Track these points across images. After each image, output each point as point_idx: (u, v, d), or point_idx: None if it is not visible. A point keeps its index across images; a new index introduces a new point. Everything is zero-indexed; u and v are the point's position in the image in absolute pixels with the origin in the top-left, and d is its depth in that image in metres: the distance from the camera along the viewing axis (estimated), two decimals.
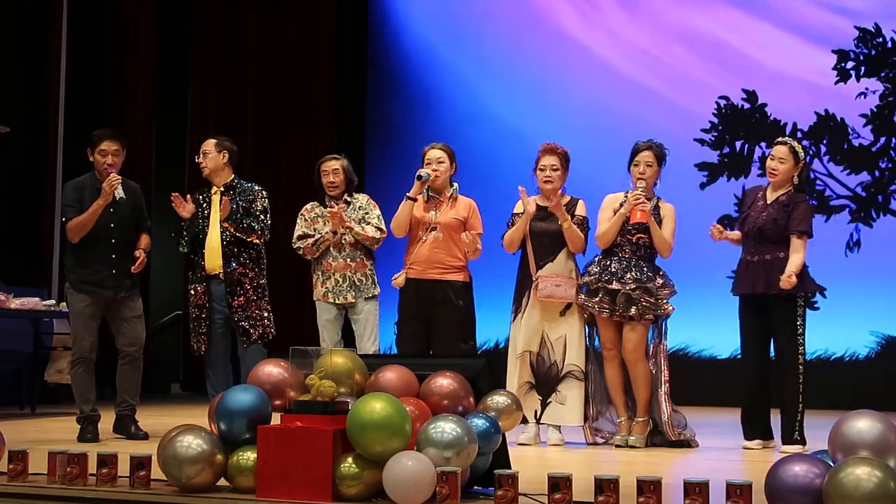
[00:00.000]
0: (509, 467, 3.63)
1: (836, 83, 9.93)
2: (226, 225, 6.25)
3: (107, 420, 6.07)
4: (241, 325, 6.26)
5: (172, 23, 11.25)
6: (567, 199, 6.02)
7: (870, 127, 9.85)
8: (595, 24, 10.80)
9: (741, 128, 10.24)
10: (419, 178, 6.00)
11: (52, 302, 8.22)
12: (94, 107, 10.35)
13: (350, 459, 3.41)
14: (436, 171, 6.04)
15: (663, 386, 5.85)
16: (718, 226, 5.96)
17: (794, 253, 5.72)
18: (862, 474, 2.93)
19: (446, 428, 3.39)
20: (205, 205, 6.39)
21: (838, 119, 9.94)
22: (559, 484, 3.24)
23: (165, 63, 11.10)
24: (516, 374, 5.98)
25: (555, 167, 5.98)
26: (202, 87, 11.49)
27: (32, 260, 9.68)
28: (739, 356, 6.11)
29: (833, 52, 9.96)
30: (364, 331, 6.48)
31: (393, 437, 3.35)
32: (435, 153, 6.10)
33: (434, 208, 6.07)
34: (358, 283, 6.47)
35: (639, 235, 5.89)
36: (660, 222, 5.93)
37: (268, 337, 6.35)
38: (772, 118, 10.15)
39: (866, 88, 9.87)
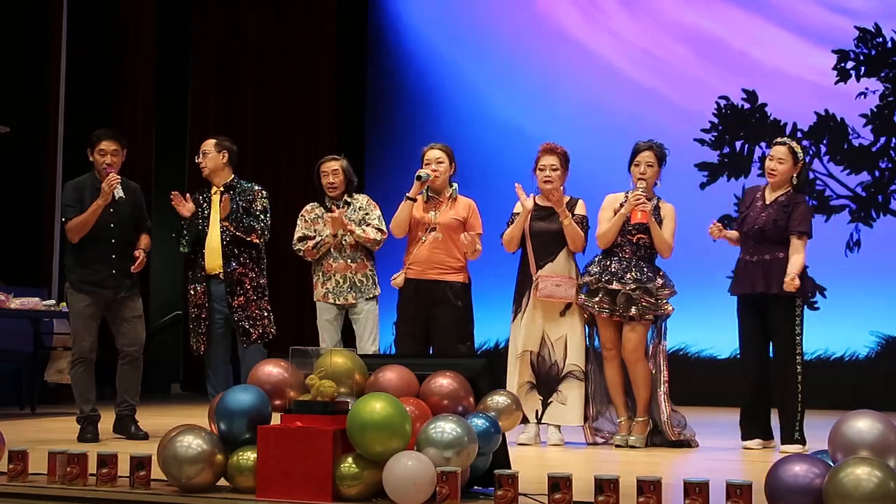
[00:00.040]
0: (509, 467, 3.63)
1: (836, 83, 9.94)
2: (226, 224, 6.25)
3: (107, 420, 6.07)
4: (241, 324, 6.26)
5: (172, 23, 11.26)
6: (567, 198, 6.02)
7: (870, 127, 9.85)
8: (596, 23, 10.80)
9: (741, 128, 10.24)
10: (418, 178, 6.00)
11: (52, 302, 8.22)
12: (94, 107, 10.35)
13: (350, 459, 3.41)
14: (435, 171, 6.04)
15: (662, 386, 5.85)
16: (718, 224, 5.96)
17: (795, 254, 5.72)
18: (862, 474, 2.93)
19: (446, 428, 3.39)
20: (205, 205, 6.39)
21: (838, 119, 9.94)
22: (559, 484, 3.24)
23: (165, 63, 11.10)
24: (516, 374, 5.98)
25: (554, 167, 5.97)
26: (202, 87, 11.48)
27: (32, 260, 9.68)
28: (739, 356, 6.11)
29: (833, 52, 9.96)
30: (364, 331, 6.48)
31: (393, 437, 3.35)
32: (434, 153, 6.10)
33: (433, 209, 6.07)
34: (358, 284, 6.47)
35: (639, 236, 5.89)
36: (660, 223, 5.93)
37: (268, 337, 6.35)
38: (772, 118, 10.15)
39: (866, 88, 9.87)
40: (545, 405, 5.97)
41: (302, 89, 11.33)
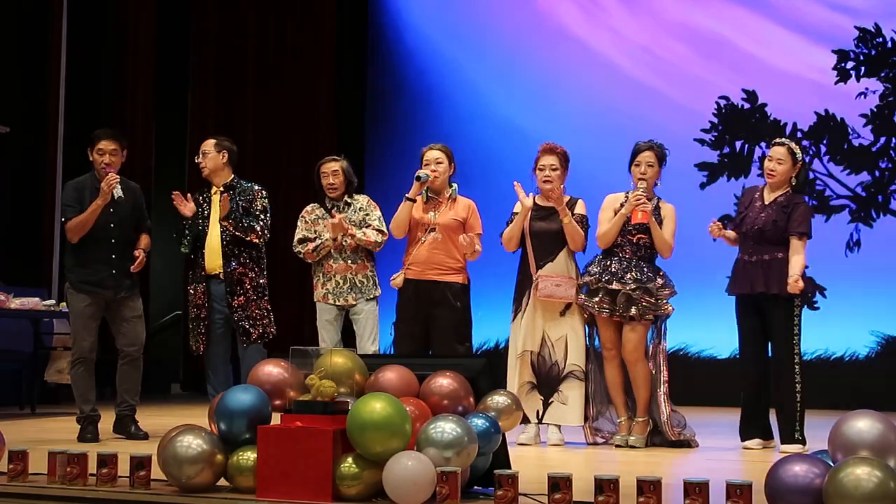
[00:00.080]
0: (509, 467, 3.63)
1: (837, 83, 9.94)
2: (225, 224, 6.25)
3: (107, 420, 6.07)
4: (241, 324, 6.26)
5: (172, 23, 11.25)
6: (567, 198, 6.02)
7: (870, 127, 9.85)
8: (596, 21, 10.80)
9: (741, 128, 10.24)
10: (418, 178, 6.00)
11: (52, 302, 8.22)
12: (94, 107, 10.34)
13: (350, 459, 3.41)
14: (434, 171, 6.03)
15: (662, 386, 5.85)
16: (718, 223, 5.96)
17: (796, 255, 5.72)
18: (862, 474, 2.93)
19: (446, 428, 3.39)
20: (205, 205, 6.39)
21: (838, 119, 9.94)
22: (559, 484, 3.24)
23: (165, 63, 11.09)
24: (517, 374, 5.98)
25: (554, 167, 5.97)
26: (202, 87, 11.48)
27: (32, 260, 9.68)
28: (738, 356, 6.11)
29: (833, 52, 9.96)
30: (364, 331, 6.47)
31: (393, 437, 3.35)
32: (433, 154, 6.09)
33: (433, 209, 6.07)
34: (359, 285, 6.46)
35: (639, 236, 5.89)
36: (660, 223, 5.93)
37: (268, 337, 6.35)
38: (772, 118, 10.15)
39: (866, 88, 9.87)
40: (546, 405, 5.97)
41: (302, 89, 11.33)
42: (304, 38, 11.45)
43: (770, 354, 5.86)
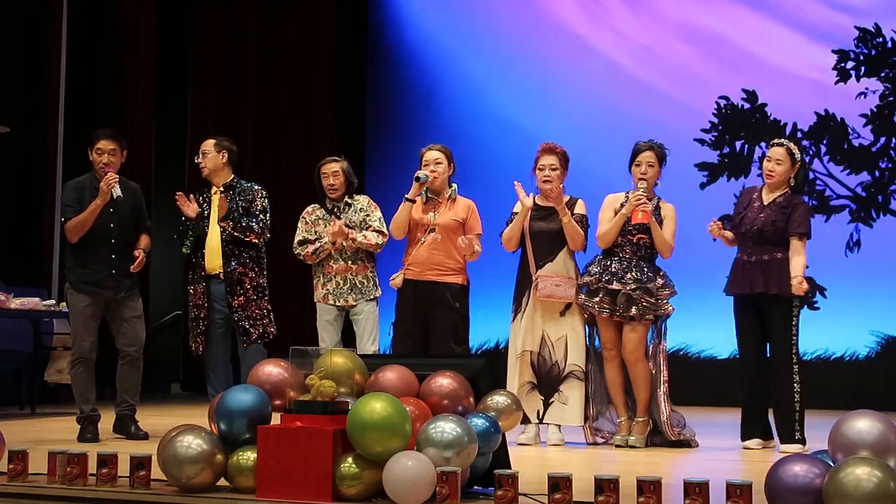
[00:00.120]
0: (509, 467, 3.63)
1: (837, 83, 9.93)
2: (223, 224, 6.25)
3: (107, 420, 6.07)
4: (241, 324, 6.26)
5: (172, 23, 11.25)
6: (566, 198, 6.02)
7: (870, 127, 9.85)
8: (598, 20, 10.80)
9: (741, 128, 10.24)
10: (417, 179, 5.99)
11: (52, 302, 8.22)
12: (94, 107, 10.34)
13: (350, 459, 3.41)
14: (433, 172, 6.03)
15: (662, 386, 5.85)
16: (718, 222, 5.96)
17: (797, 255, 5.72)
18: (862, 474, 2.93)
19: (446, 428, 3.39)
20: (205, 205, 6.39)
21: (838, 119, 9.94)
22: (559, 484, 3.24)
23: (165, 63, 11.09)
24: (517, 374, 5.98)
25: (554, 167, 5.97)
26: (202, 87, 11.48)
27: (32, 260, 9.68)
28: (738, 356, 6.11)
29: (833, 51, 9.96)
30: (364, 331, 6.47)
31: (393, 437, 3.35)
32: (432, 154, 6.09)
33: (433, 210, 6.07)
34: (359, 286, 6.46)
35: (639, 236, 5.89)
36: (660, 223, 5.93)
37: (268, 337, 6.35)
38: (772, 118, 10.15)
39: (866, 88, 9.87)
40: (546, 405, 5.97)
41: (302, 89, 11.33)
42: (304, 38, 11.45)
43: (769, 355, 5.86)
